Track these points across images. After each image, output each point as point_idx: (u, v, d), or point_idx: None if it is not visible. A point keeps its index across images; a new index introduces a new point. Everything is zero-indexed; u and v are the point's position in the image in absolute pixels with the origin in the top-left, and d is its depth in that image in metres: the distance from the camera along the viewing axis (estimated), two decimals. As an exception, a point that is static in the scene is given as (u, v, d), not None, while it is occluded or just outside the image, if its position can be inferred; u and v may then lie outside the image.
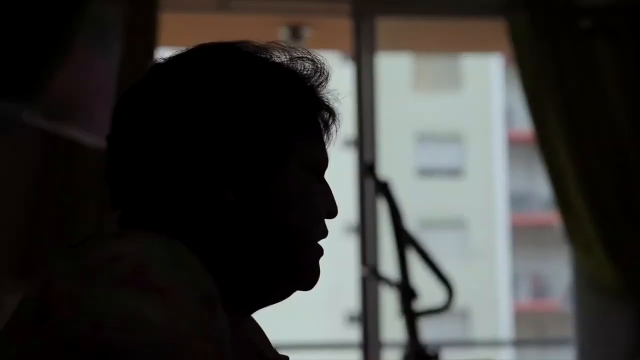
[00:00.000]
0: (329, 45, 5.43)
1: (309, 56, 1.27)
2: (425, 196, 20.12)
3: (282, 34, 4.80)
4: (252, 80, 1.23)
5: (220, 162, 1.20)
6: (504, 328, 20.43)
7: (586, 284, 4.53)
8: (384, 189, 4.17)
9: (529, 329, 20.84)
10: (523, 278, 21.80)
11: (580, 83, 4.39)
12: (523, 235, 21.32)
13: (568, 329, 5.00)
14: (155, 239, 1.13)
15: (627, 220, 4.37)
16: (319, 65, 1.28)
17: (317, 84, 1.28)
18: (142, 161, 1.21)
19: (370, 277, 4.37)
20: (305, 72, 1.27)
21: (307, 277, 1.27)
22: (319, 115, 1.28)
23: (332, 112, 1.29)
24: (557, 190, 4.41)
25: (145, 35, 4.10)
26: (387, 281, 4.22)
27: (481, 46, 5.80)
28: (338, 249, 19.27)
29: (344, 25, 4.57)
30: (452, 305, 4.13)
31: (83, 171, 3.98)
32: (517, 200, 21.38)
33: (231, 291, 1.22)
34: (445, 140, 20.88)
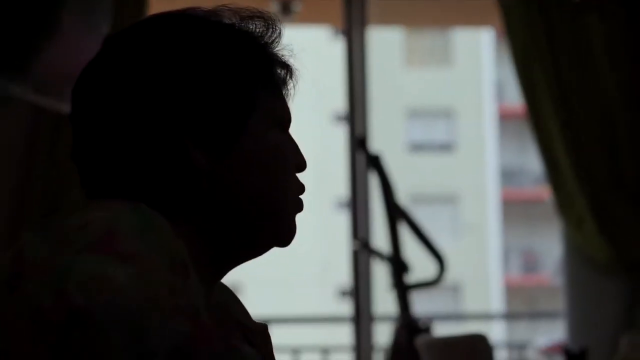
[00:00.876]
0: (319, 19, 5.42)
1: (258, 14, 1.28)
2: (417, 171, 20.13)
3: (272, 9, 4.78)
4: (207, 42, 1.23)
5: (186, 126, 1.19)
6: (495, 302, 20.51)
7: (577, 258, 4.54)
8: (375, 162, 4.18)
9: (520, 303, 20.92)
10: (514, 252, 21.87)
11: (571, 57, 4.39)
12: (514, 210, 21.37)
13: (558, 303, 5.02)
14: (125, 206, 1.14)
15: (618, 194, 4.38)
16: (270, 23, 1.28)
17: (270, 41, 1.28)
18: (108, 135, 1.21)
19: (362, 251, 4.38)
20: (257, 30, 1.27)
21: (285, 233, 1.26)
22: (275, 71, 1.28)
23: (287, 68, 1.29)
24: (548, 164, 4.42)
25: (135, 10, 4.09)
26: (379, 255, 4.23)
27: (472, 20, 5.79)
28: (330, 224, 19.30)
29: (335, 0, 4.56)
30: (443, 278, 4.15)
31: (71, 145, 3.97)
32: (507, 175, 21.41)
33: (206, 253, 1.21)
34: (437, 115, 20.87)
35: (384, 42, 18.68)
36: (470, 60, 20.87)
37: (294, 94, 1.30)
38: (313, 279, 19.55)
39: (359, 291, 4.45)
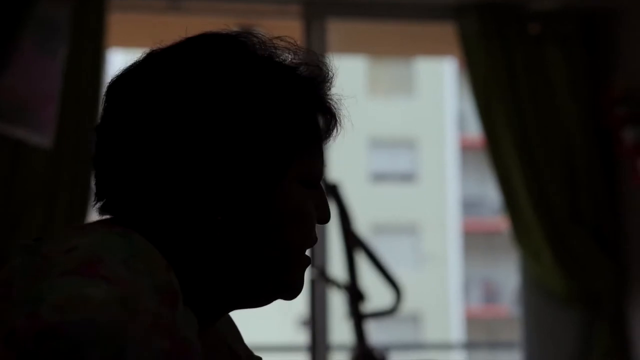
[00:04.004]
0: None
1: (314, 59, 1.22)
2: (378, 201, 20.15)
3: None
4: (253, 85, 1.16)
5: (213, 167, 1.14)
6: (455, 332, 20.52)
7: (534, 289, 4.55)
8: (333, 191, 4.17)
9: (480, 333, 20.94)
10: (474, 283, 21.91)
11: (530, 88, 4.41)
12: (474, 240, 21.43)
13: (517, 333, 5.02)
14: (113, 231, 1.10)
15: (575, 226, 4.39)
16: (324, 69, 1.22)
17: (321, 88, 1.22)
18: (131, 154, 1.15)
19: (319, 279, 4.36)
20: (311, 77, 1.21)
21: (293, 289, 1.23)
22: (319, 123, 1.22)
23: (335, 118, 1.24)
24: (505, 195, 4.42)
25: (94, 36, 4.06)
26: (336, 283, 4.21)
27: (434, 50, 5.80)
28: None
29: (295, 27, 4.56)
30: (400, 308, 4.13)
31: (29, 172, 3.94)
32: (468, 206, 21.48)
33: (204, 296, 1.18)
34: (399, 145, 20.93)
35: (346, 70, 18.72)
36: (433, 90, 20.97)
37: (334, 139, 1.25)
38: (271, 307, 19.45)
39: (316, 320, 4.43)
